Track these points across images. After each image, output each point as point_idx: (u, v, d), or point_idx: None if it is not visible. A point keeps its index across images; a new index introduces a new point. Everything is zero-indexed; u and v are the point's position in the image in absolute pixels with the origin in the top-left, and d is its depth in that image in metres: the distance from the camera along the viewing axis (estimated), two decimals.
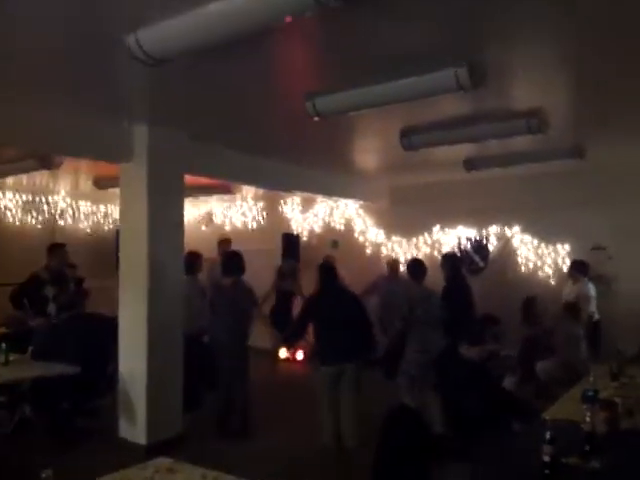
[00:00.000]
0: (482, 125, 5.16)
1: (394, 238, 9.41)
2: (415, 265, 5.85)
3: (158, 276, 5.29)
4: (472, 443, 3.13)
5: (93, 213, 10.73)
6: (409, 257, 8.27)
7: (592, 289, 6.90)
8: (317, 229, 10.19)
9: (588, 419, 2.72)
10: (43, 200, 9.96)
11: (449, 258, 7.06)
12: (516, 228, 8.32)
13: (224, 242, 8.61)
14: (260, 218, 10.70)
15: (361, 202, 9.52)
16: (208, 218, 11.32)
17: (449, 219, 8.78)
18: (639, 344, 5.21)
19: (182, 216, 5.71)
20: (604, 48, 3.52)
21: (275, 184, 7.66)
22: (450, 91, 3.79)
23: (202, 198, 10.17)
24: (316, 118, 4.36)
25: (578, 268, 7.04)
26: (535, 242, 8.16)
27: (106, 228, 10.66)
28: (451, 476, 2.60)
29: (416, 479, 2.73)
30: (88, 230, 10.63)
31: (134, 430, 5.24)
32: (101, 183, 8.55)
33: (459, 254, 8.78)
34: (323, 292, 5.22)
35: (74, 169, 7.90)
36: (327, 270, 5.36)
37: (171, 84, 4.19)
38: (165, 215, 5.43)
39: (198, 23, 2.90)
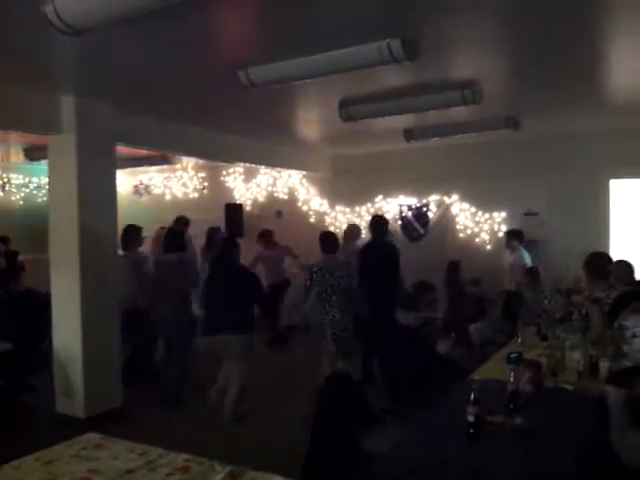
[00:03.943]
0: (419, 96, 5.19)
1: (337, 207, 9.47)
2: (325, 238, 5.60)
3: (90, 250, 5.15)
4: (405, 405, 3.24)
5: (25, 185, 10.31)
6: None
7: (527, 257, 7.15)
8: (261, 199, 10.14)
9: (512, 379, 2.85)
10: None
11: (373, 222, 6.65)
12: (454, 196, 8.52)
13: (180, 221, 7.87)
14: (201, 188, 10.56)
15: (303, 172, 9.51)
16: (146, 189, 11.05)
17: (391, 188, 8.89)
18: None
19: (114, 188, 5.56)
20: (536, 21, 3.57)
21: (214, 155, 7.53)
22: (384, 63, 3.77)
23: (140, 168, 9.91)
24: (252, 88, 4.29)
25: (514, 236, 7.29)
26: (472, 209, 8.39)
27: (40, 200, 10.26)
28: (382, 437, 2.69)
29: (350, 443, 2.81)
30: (21, 202, 10.23)
31: (72, 405, 5.17)
32: (33, 154, 8.21)
33: (400, 222, 8.94)
34: (214, 267, 5.38)
35: (3, 140, 7.55)
36: (223, 246, 5.51)
37: (96, 54, 4.01)
38: (96, 187, 5.25)
39: None
